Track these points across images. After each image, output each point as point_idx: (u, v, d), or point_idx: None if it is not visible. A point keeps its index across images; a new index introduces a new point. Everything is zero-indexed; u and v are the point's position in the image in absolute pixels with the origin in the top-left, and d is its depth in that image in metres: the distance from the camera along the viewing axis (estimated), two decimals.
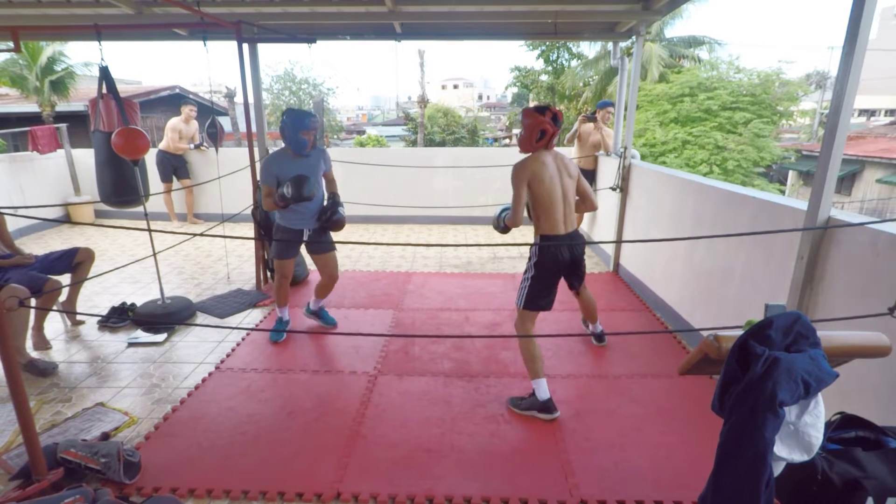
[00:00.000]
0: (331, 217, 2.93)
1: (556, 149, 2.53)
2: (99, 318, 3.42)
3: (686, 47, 14.66)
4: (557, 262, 2.49)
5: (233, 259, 4.94)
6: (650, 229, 3.91)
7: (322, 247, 3.02)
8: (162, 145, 6.11)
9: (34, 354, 2.90)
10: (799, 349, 1.06)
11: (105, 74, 3.22)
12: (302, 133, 2.80)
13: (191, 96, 15.02)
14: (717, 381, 1.13)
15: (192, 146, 6.23)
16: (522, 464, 2.07)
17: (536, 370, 2.40)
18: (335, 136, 24.96)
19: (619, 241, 4.53)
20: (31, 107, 10.35)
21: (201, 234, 2.31)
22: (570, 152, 5.50)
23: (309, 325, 3.48)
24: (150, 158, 5.80)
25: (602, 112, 5.00)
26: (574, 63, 16.07)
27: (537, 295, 2.52)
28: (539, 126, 2.40)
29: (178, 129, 6.11)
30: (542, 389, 2.38)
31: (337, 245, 5.47)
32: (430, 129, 21.92)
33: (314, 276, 4.43)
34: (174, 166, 6.17)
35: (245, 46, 3.75)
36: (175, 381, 2.72)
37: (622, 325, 3.47)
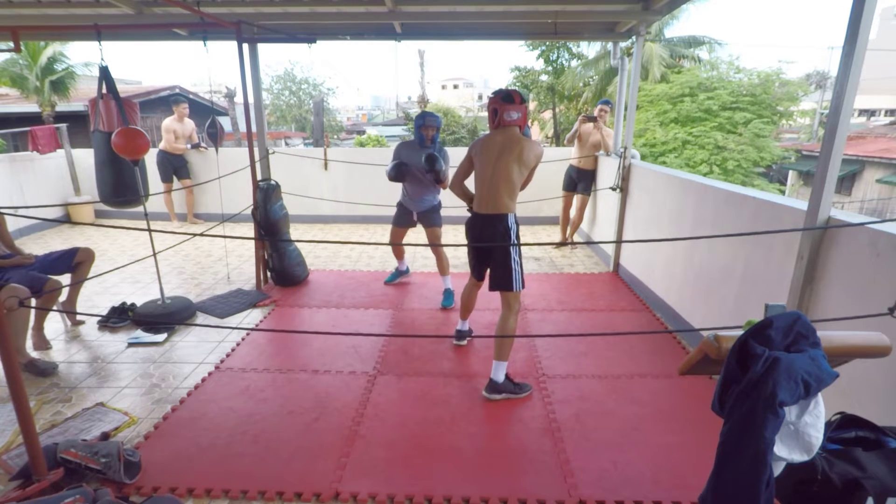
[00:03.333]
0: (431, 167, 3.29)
1: (514, 131, 2.53)
2: (99, 318, 3.42)
3: (686, 47, 14.65)
4: (469, 236, 2.70)
5: (233, 259, 4.94)
6: (650, 229, 3.91)
7: (426, 221, 3.80)
8: (162, 145, 6.11)
9: (34, 354, 2.90)
10: (799, 349, 1.06)
11: (105, 74, 3.22)
12: (421, 129, 3.51)
13: (190, 96, 15.02)
14: (717, 381, 1.13)
15: (189, 146, 6.21)
16: (521, 464, 2.07)
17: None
18: (335, 136, 24.97)
19: (619, 241, 4.53)
20: (31, 107, 10.34)
21: (201, 234, 2.31)
22: (570, 152, 5.50)
23: (309, 324, 3.48)
24: (150, 158, 5.79)
25: (598, 109, 5.02)
26: (574, 63, 16.07)
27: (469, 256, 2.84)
28: (491, 106, 2.55)
29: (171, 130, 6.06)
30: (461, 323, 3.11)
31: (337, 245, 5.47)
32: None
33: (314, 276, 4.44)
34: (174, 166, 6.15)
35: (245, 46, 3.75)
36: (175, 381, 2.72)
37: (622, 325, 3.47)
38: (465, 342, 3.13)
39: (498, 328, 2.58)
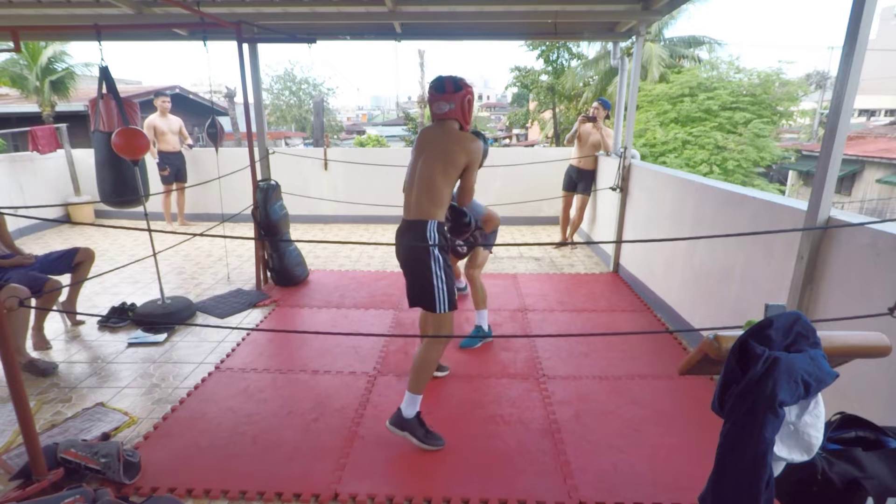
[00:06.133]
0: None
1: (448, 126, 2.12)
2: (99, 318, 3.42)
3: (686, 47, 14.66)
4: (396, 244, 2.19)
5: (233, 259, 4.94)
6: (650, 229, 3.91)
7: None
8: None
9: (34, 354, 2.90)
10: (799, 349, 1.06)
11: (105, 74, 3.22)
12: None
13: (191, 96, 15.03)
14: (717, 381, 1.12)
15: (185, 145, 6.07)
16: (521, 465, 2.07)
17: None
18: (335, 137, 24.99)
19: (619, 241, 4.53)
20: (31, 107, 10.34)
21: (201, 234, 2.31)
22: (570, 152, 5.50)
23: (309, 324, 3.48)
24: (150, 159, 5.76)
25: (592, 108, 5.04)
26: (574, 63, 16.07)
27: None
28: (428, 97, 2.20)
29: (152, 126, 5.71)
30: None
31: (337, 245, 5.44)
32: None
33: (314, 276, 4.44)
34: (175, 167, 5.96)
35: (245, 46, 3.75)
36: (175, 381, 2.72)
37: (622, 326, 3.47)
38: None
39: (417, 354, 2.13)
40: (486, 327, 3.09)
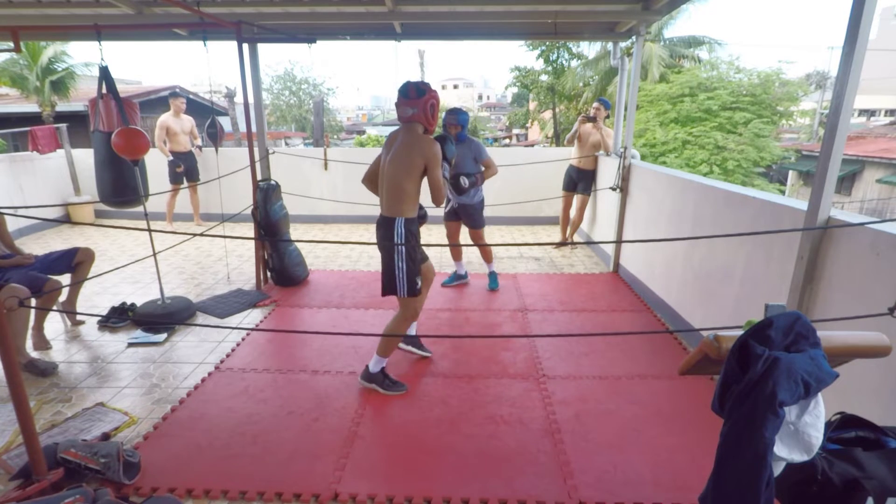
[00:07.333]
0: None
1: (412, 129, 2.38)
2: (99, 318, 3.42)
3: (686, 47, 14.66)
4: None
5: (233, 259, 4.94)
6: (650, 229, 3.91)
7: (466, 220, 4.02)
8: (157, 144, 5.85)
9: (34, 354, 2.90)
10: (799, 349, 1.06)
11: (105, 74, 3.22)
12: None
13: (190, 96, 15.02)
14: (717, 381, 1.12)
15: (196, 146, 6.08)
16: (521, 465, 2.07)
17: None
18: (335, 136, 25.00)
19: (619, 241, 4.53)
20: (31, 107, 10.34)
21: (201, 234, 2.31)
22: (570, 152, 5.50)
23: (309, 324, 3.48)
24: (150, 158, 5.73)
25: (592, 108, 5.05)
26: (574, 63, 16.08)
27: None
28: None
29: (165, 126, 5.73)
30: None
31: (337, 245, 5.47)
32: None
33: (314, 276, 4.44)
34: (186, 167, 5.93)
35: (245, 46, 3.75)
36: (175, 381, 2.72)
37: (622, 326, 3.47)
38: None
39: (387, 325, 2.62)
40: (496, 281, 4.13)
